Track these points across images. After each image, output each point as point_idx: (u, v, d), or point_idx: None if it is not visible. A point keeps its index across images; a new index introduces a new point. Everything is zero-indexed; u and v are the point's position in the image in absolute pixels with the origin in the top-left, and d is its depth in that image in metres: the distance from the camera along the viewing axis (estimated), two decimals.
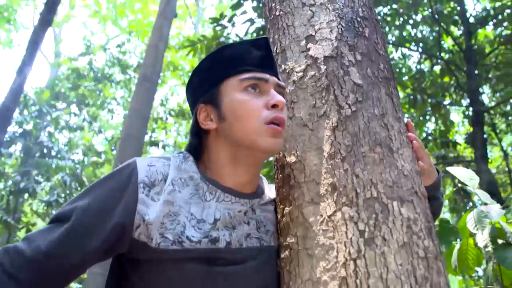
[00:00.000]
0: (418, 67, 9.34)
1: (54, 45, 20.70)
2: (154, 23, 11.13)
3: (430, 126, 9.85)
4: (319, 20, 1.53)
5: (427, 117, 9.24)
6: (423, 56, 8.97)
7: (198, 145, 1.36)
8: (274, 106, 1.28)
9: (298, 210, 1.27)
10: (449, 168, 2.38)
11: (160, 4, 11.21)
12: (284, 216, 1.30)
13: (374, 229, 1.11)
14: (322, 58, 1.45)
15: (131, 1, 20.01)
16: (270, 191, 1.44)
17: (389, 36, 8.94)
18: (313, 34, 1.51)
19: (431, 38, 9.17)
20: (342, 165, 1.24)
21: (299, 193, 1.29)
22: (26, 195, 10.32)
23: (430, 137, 9.08)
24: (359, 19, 1.52)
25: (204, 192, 1.27)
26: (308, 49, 1.49)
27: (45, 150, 10.82)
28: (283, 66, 1.53)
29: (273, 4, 1.71)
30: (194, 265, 1.19)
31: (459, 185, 2.55)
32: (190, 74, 1.36)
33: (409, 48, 8.73)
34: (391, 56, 9.49)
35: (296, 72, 1.48)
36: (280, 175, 1.39)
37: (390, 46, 9.02)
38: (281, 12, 1.65)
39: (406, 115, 8.50)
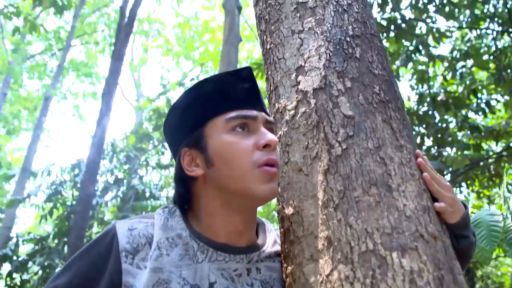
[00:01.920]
0: (497, 43, 8.73)
1: (135, 90, 21.60)
2: (221, 51, 11.27)
3: None
4: (308, 48, 1.40)
5: None
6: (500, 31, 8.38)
7: (185, 193, 1.24)
8: (266, 146, 1.16)
9: (299, 270, 1.13)
10: None
11: (224, 32, 11.32)
12: (288, 276, 1.17)
13: None
14: (311, 91, 1.31)
15: (200, 34, 20.49)
16: (275, 241, 1.30)
17: (461, 17, 8.45)
18: (303, 64, 1.38)
19: (506, 11, 8.56)
20: (336, 215, 1.09)
21: (299, 250, 1.15)
22: None
23: None
24: (348, 38, 1.37)
25: (195, 252, 1.14)
26: (299, 83, 1.36)
27: (139, 193, 11.17)
28: (276, 105, 1.41)
29: (265, 37, 1.60)
30: None
31: None
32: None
33: (480, 29, 8.19)
34: (467, 38, 8.98)
35: (288, 110, 1.35)
36: (282, 229, 1.26)
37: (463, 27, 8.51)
38: (272, 44, 1.53)
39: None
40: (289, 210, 1.23)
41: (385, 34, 7.36)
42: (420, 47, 7.62)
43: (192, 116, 1.23)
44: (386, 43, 7.85)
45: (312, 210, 1.16)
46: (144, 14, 20.99)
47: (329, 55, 1.34)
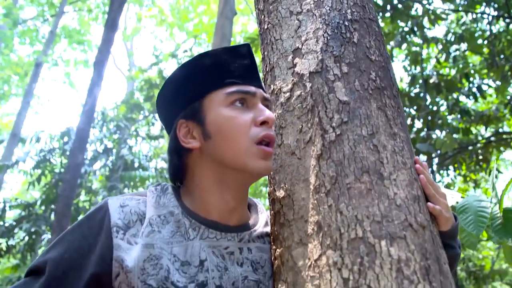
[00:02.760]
0: (492, 28, 8.71)
1: (127, 59, 21.40)
2: (215, 24, 11.17)
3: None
4: (306, 30, 1.39)
5: (509, 80, 8.62)
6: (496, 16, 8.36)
7: (180, 165, 1.25)
8: (264, 123, 1.17)
9: (288, 253, 1.14)
10: (506, 154, 2.16)
11: (219, 4, 11.21)
12: (276, 258, 1.18)
13: (359, 277, 0.97)
14: (308, 74, 1.31)
15: (194, 5, 20.24)
16: (266, 222, 1.31)
17: (457, 0, 8.40)
18: (300, 46, 1.37)
19: None
20: (327, 200, 1.10)
21: (289, 233, 1.16)
22: None
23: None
24: (347, 23, 1.36)
25: (187, 229, 1.15)
26: (295, 65, 1.36)
27: (128, 163, 11.17)
28: (272, 86, 1.41)
29: (262, 17, 1.58)
30: None
31: None
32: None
33: (476, 13, 8.15)
34: (462, 21, 8.95)
35: (284, 92, 1.35)
36: (272, 212, 1.26)
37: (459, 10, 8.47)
38: (269, 24, 1.51)
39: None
40: (280, 193, 1.23)
41: (380, 14, 7.32)
42: (415, 29, 7.59)
43: (190, 89, 1.23)
44: (381, 23, 7.82)
45: (303, 194, 1.17)
46: None
47: (327, 38, 1.33)
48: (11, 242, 9.89)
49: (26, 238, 9.82)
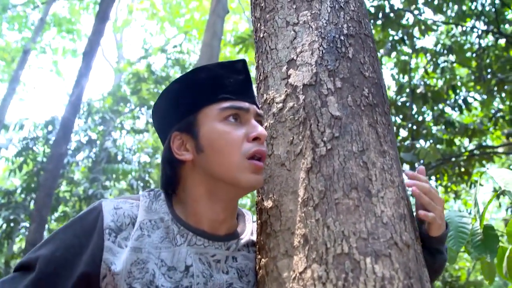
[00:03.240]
0: (481, 42, 8.81)
1: (116, 51, 21.27)
2: (207, 21, 11.14)
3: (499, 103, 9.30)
4: (302, 42, 1.40)
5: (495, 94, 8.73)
6: (485, 30, 8.46)
7: (172, 176, 1.26)
8: (256, 139, 1.19)
9: (273, 263, 1.15)
10: (489, 171, 2.19)
11: (212, 2, 11.19)
12: (261, 268, 1.19)
13: None
14: (301, 87, 1.32)
15: (186, 1, 20.17)
16: (253, 231, 1.33)
17: (448, 12, 8.48)
18: (295, 58, 1.39)
19: (493, 10, 8.62)
20: (314, 214, 1.11)
21: (275, 243, 1.18)
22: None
23: (498, 114, 8.57)
24: (342, 37, 1.38)
25: (175, 235, 1.18)
26: (289, 76, 1.37)
27: (111, 156, 11.10)
28: (264, 96, 1.42)
29: (258, 25, 1.59)
30: None
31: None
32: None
33: (466, 26, 8.23)
34: (452, 33, 9.04)
35: (276, 103, 1.36)
36: (259, 221, 1.28)
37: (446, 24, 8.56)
38: (265, 33, 1.52)
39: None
40: (268, 203, 1.25)
41: (372, 21, 7.37)
42: (405, 38, 7.65)
43: (185, 102, 1.25)
44: (372, 31, 7.85)
45: (291, 206, 1.18)
46: None
47: (322, 52, 1.35)
48: None
49: (4, 225, 9.72)
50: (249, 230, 1.31)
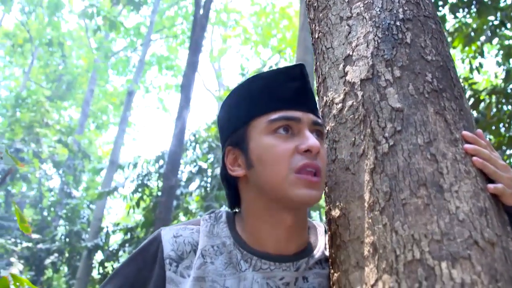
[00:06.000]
0: None
1: (216, 80, 21.87)
2: (297, 37, 11.15)
3: None
4: (356, 35, 1.30)
5: None
6: None
7: (231, 193, 1.21)
8: (307, 151, 1.08)
9: (345, 277, 1.05)
10: None
11: (300, 18, 11.18)
12: (334, 284, 1.09)
13: None
14: (359, 82, 1.22)
15: (276, 21, 20.37)
16: (327, 244, 1.22)
17: None
18: (351, 53, 1.29)
19: None
20: (381, 219, 1.00)
21: (345, 255, 1.07)
22: None
23: None
24: (398, 23, 1.26)
25: (238, 260, 1.11)
26: (346, 73, 1.27)
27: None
28: (324, 98, 1.33)
29: (314, 26, 1.51)
30: None
31: None
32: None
33: None
34: None
35: (336, 103, 1.26)
36: (329, 233, 1.18)
37: None
38: (320, 33, 1.44)
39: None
40: (335, 212, 1.15)
41: (466, 10, 6.96)
42: (505, 21, 7.14)
43: (237, 115, 1.18)
44: (468, 20, 7.44)
45: (359, 212, 1.08)
46: (221, 5, 21.17)
47: (377, 42, 1.24)
48: (116, 265, 10.32)
49: None
50: (321, 245, 1.21)
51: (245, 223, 1.17)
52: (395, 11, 1.29)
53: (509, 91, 7.35)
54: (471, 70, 7.82)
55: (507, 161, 6.74)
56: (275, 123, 1.11)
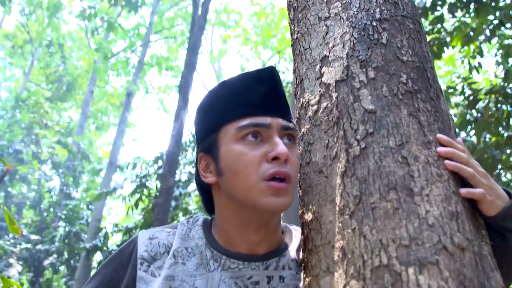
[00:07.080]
0: None
1: (216, 81, 21.84)
2: None
3: None
4: (333, 35, 1.28)
5: None
6: None
7: (205, 198, 1.21)
8: (275, 158, 1.07)
9: (316, 282, 1.03)
10: None
11: None
12: None
13: None
14: (334, 84, 1.20)
15: (276, 22, 20.34)
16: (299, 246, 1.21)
17: None
18: (327, 54, 1.27)
19: None
20: (351, 223, 0.98)
21: (317, 260, 1.05)
22: None
23: None
24: (375, 23, 1.24)
25: (208, 260, 1.11)
26: (322, 74, 1.25)
27: None
28: (301, 100, 1.31)
29: (293, 26, 1.49)
30: None
31: None
32: None
33: None
34: None
35: (311, 105, 1.24)
36: (302, 237, 1.16)
37: None
38: (299, 34, 1.42)
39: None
40: (308, 216, 1.13)
41: (464, 10, 6.94)
42: (504, 21, 7.11)
43: (208, 121, 1.18)
44: (467, 19, 7.42)
45: (330, 216, 1.05)
46: (221, 6, 21.15)
47: (353, 42, 1.22)
48: None
49: None
50: (295, 245, 1.20)
51: (218, 227, 1.17)
52: (372, 11, 1.27)
53: (508, 90, 7.33)
54: (470, 69, 7.80)
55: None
56: (243, 130, 1.10)
